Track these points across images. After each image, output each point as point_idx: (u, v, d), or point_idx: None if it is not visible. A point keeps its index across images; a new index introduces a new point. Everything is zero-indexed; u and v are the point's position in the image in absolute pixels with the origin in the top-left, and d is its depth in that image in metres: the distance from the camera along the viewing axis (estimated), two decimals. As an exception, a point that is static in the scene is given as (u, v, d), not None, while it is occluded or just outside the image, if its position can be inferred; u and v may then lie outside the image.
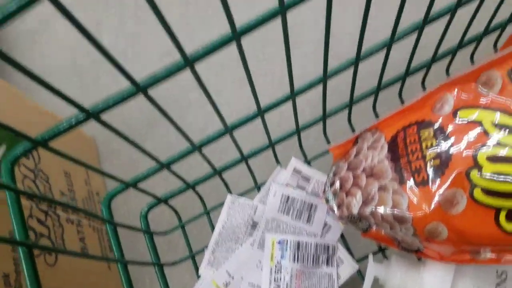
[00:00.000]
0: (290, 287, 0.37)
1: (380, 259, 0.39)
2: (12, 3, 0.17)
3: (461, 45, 0.42)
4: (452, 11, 0.35)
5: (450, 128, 0.30)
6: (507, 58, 0.30)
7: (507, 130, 0.28)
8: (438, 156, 0.30)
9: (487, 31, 0.42)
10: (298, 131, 0.41)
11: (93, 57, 0.76)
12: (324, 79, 0.35)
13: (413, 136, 0.32)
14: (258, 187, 0.43)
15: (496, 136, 0.29)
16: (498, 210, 0.28)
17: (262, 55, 0.68)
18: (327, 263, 0.38)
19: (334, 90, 0.46)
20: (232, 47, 0.57)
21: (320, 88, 0.53)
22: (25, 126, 0.54)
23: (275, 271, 0.37)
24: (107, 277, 0.61)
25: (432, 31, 0.42)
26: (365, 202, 0.33)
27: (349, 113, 0.43)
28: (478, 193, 0.28)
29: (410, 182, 0.31)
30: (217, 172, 0.40)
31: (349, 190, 0.34)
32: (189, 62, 0.24)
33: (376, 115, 0.46)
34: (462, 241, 0.30)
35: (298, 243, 0.38)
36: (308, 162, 0.46)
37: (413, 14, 0.42)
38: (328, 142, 0.46)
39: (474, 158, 0.29)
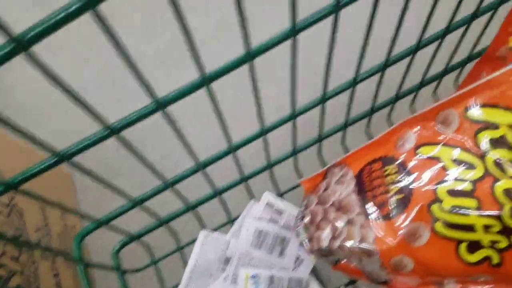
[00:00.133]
0: (264, 322, 0.37)
1: (351, 291, 0.40)
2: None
3: (422, 84, 0.44)
4: (412, 52, 0.37)
5: (411, 164, 0.32)
6: (463, 98, 0.32)
7: (465, 165, 0.30)
8: (401, 191, 0.31)
9: (446, 71, 0.45)
10: (270, 166, 0.42)
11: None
12: (293, 117, 0.36)
13: (378, 171, 0.34)
14: (231, 221, 0.44)
15: (455, 171, 0.30)
16: (458, 242, 0.30)
17: (231, 94, 0.69)
18: (300, 297, 0.39)
19: (305, 124, 0.48)
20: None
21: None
22: (7, 163, 0.53)
23: (248, 306, 0.38)
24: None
25: (397, 69, 0.44)
26: (334, 236, 0.34)
27: (319, 147, 0.45)
28: (439, 226, 0.30)
29: (376, 216, 0.32)
30: (190, 208, 0.40)
31: (319, 224, 0.35)
32: (161, 106, 0.25)
33: (346, 150, 0.48)
34: (427, 273, 0.31)
35: (271, 277, 0.39)
36: (281, 195, 0.47)
37: (378, 52, 0.45)
38: (301, 176, 0.47)
39: (435, 192, 0.30)
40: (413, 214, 0.31)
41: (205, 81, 0.25)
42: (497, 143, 0.30)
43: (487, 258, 0.30)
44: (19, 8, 0.84)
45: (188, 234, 0.45)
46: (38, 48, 0.23)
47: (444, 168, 0.31)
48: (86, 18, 0.19)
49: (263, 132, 0.37)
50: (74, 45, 0.80)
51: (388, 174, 0.33)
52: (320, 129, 0.40)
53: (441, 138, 0.32)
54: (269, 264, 0.40)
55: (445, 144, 0.31)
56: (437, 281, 0.32)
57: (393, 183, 0.32)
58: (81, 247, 0.35)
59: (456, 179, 0.30)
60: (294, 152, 0.42)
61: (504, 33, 0.36)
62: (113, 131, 0.24)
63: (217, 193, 0.40)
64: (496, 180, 0.29)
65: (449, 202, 0.30)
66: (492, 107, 0.30)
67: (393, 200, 0.32)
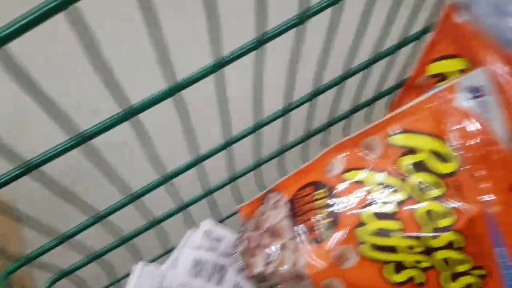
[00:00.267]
0: None
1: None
2: None
3: (354, 110, 0.46)
4: (338, 83, 0.39)
5: (339, 188, 0.33)
6: (385, 124, 0.34)
7: (388, 189, 0.32)
8: (329, 215, 0.32)
9: (376, 97, 0.47)
10: (209, 192, 0.42)
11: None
12: (228, 144, 0.37)
13: (308, 196, 0.35)
14: (169, 251, 0.43)
15: (379, 195, 0.32)
16: (384, 264, 0.31)
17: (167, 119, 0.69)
18: (239, 325, 0.39)
19: (243, 150, 0.48)
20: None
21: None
22: None
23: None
24: None
25: (329, 96, 0.46)
26: (267, 262, 0.34)
27: (255, 175, 0.45)
28: (365, 249, 0.31)
29: (307, 241, 0.33)
30: (125, 241, 0.39)
31: (253, 251, 0.35)
32: (82, 139, 0.25)
33: (284, 174, 0.49)
34: (358, 294, 0.32)
35: (210, 306, 0.38)
36: (222, 221, 0.47)
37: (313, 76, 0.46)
38: (241, 201, 0.47)
39: (360, 216, 0.31)
40: (341, 237, 0.32)
41: (128, 115, 0.25)
42: (417, 167, 0.32)
43: (411, 278, 0.31)
44: None
45: (124, 267, 0.44)
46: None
47: (368, 192, 0.32)
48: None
49: (199, 160, 0.37)
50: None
51: (317, 199, 0.34)
52: (255, 155, 0.41)
53: (366, 163, 0.33)
54: (208, 293, 0.39)
55: (369, 169, 0.33)
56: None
57: (322, 207, 0.33)
58: (4, 285, 0.33)
59: (380, 203, 0.31)
60: (232, 179, 0.43)
61: (423, 62, 0.38)
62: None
63: (154, 223, 0.40)
64: (418, 202, 0.31)
65: (374, 225, 0.31)
66: (411, 133, 0.32)
67: (322, 224, 0.32)
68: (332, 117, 0.45)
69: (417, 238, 0.30)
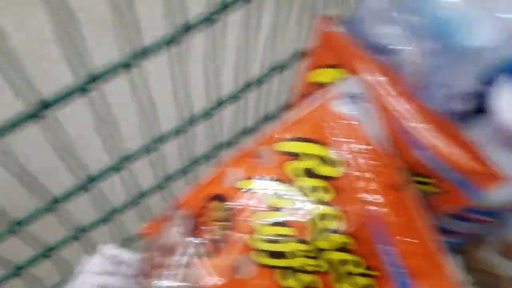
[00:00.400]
0: None
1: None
2: None
3: (244, 132, 0.47)
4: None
5: (233, 199, 0.33)
6: (274, 133, 0.35)
7: (278, 196, 0.33)
8: (225, 226, 0.33)
9: (266, 119, 0.48)
10: (109, 214, 0.41)
11: None
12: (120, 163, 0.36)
13: (205, 209, 0.35)
14: (65, 280, 0.41)
15: (271, 202, 0.33)
16: (280, 270, 0.32)
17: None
18: None
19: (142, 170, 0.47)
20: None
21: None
22: None
23: None
24: None
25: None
26: (167, 280, 0.33)
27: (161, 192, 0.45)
28: (260, 257, 0.31)
29: (205, 254, 0.33)
30: (17, 272, 0.37)
31: (152, 271, 0.34)
32: None
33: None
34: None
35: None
36: (125, 242, 0.45)
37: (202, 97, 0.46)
38: (141, 223, 0.46)
39: (253, 224, 0.32)
40: (236, 248, 0.32)
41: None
42: (306, 173, 0.33)
43: (307, 283, 0.32)
44: None
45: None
46: None
47: (260, 200, 0.32)
48: None
49: (89, 180, 0.35)
50: None
51: (213, 211, 0.34)
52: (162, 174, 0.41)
53: (258, 172, 0.34)
54: (110, 320, 0.38)
55: (261, 178, 0.33)
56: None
57: (218, 220, 0.33)
58: None
59: (271, 210, 0.32)
60: (134, 201, 0.42)
61: (306, 73, 0.40)
62: None
63: (46, 251, 0.37)
64: (308, 207, 0.32)
65: (266, 231, 0.32)
66: (296, 140, 0.33)
67: (218, 236, 0.32)
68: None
69: (309, 242, 0.31)
